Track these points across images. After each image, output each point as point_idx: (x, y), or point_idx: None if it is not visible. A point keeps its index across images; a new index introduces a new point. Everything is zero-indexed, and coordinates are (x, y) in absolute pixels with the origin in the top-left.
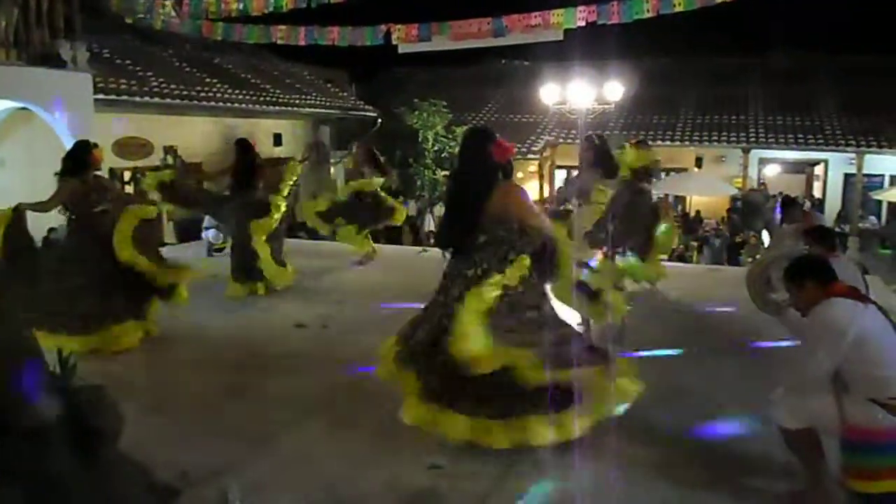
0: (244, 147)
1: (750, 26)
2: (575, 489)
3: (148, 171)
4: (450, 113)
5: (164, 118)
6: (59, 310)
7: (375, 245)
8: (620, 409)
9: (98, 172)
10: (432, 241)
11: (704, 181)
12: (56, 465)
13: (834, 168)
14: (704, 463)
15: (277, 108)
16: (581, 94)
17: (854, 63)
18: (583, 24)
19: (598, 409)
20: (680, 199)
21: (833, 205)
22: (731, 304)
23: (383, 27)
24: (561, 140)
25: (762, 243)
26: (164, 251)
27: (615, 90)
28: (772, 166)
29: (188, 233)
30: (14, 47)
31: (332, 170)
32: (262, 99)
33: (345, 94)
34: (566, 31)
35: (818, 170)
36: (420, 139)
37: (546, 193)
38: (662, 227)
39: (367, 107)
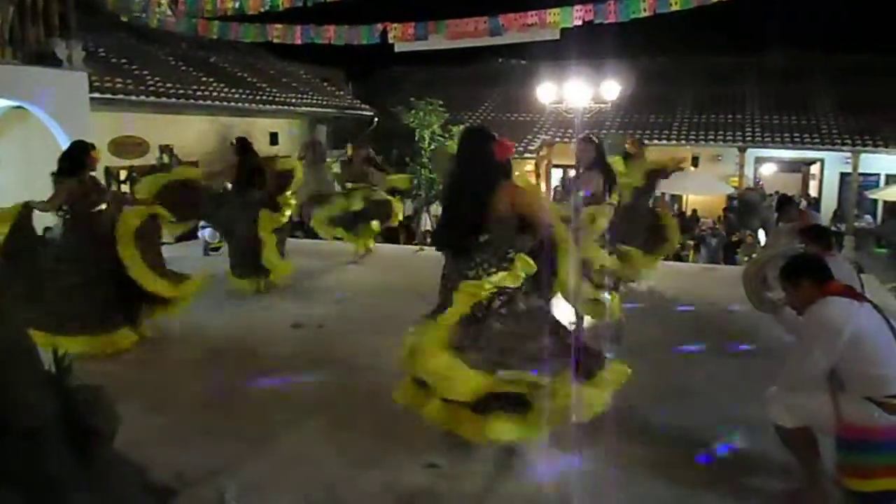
0: (244, 146)
1: (746, 25)
2: (574, 489)
3: (141, 177)
4: (446, 112)
5: (160, 117)
6: (56, 310)
7: (371, 244)
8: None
9: (92, 173)
10: (429, 240)
11: (701, 180)
12: (54, 465)
13: (830, 167)
14: (701, 462)
15: (274, 107)
16: (578, 93)
17: (850, 62)
18: (579, 23)
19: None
20: (676, 198)
21: (829, 204)
22: (728, 304)
23: (380, 26)
24: (558, 139)
25: (758, 242)
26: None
27: (612, 89)
28: (768, 165)
29: (185, 232)
30: (9, 45)
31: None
32: (258, 98)
33: (341, 93)
34: (563, 30)
35: (814, 169)
36: (416, 138)
37: (543, 192)
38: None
39: (363, 106)
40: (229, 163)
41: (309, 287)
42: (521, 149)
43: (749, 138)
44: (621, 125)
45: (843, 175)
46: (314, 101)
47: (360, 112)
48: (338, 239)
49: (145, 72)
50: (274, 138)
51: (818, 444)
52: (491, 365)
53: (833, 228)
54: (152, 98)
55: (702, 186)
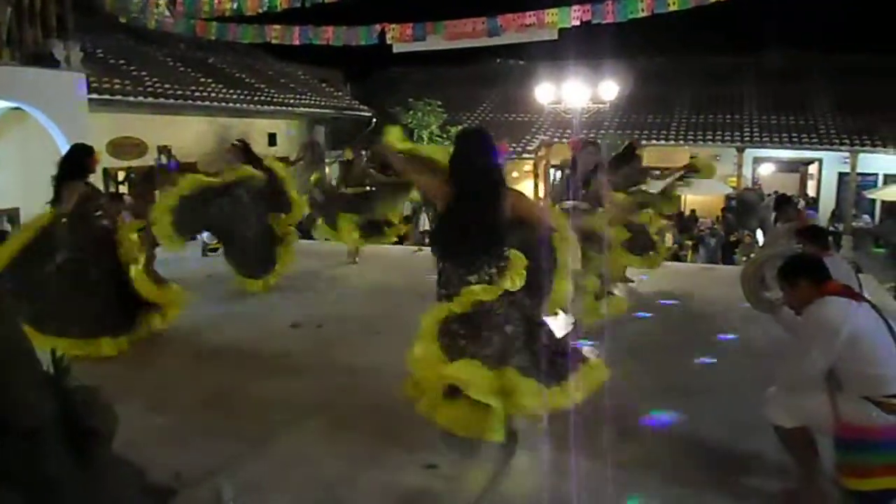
0: (246, 147)
1: (744, 26)
2: (573, 489)
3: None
4: (444, 112)
5: (159, 118)
6: (58, 312)
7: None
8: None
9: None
10: (427, 240)
11: (699, 180)
12: (53, 465)
13: (828, 167)
14: (700, 462)
15: (272, 107)
16: (576, 93)
17: (848, 62)
18: (577, 23)
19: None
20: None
21: (827, 204)
22: (726, 303)
23: (378, 27)
24: (556, 139)
25: (757, 242)
26: (158, 251)
27: (610, 89)
28: (766, 165)
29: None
30: (7, 47)
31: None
32: (256, 99)
33: (339, 93)
34: (561, 31)
35: (812, 169)
36: (415, 139)
37: (542, 192)
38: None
39: (361, 106)
40: (231, 166)
41: (308, 287)
42: (519, 149)
43: (747, 138)
44: (619, 125)
45: (841, 175)
46: (312, 102)
47: (358, 113)
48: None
49: (143, 73)
50: (272, 139)
51: (816, 443)
52: (497, 364)
53: (831, 228)
54: (150, 99)
55: (700, 186)
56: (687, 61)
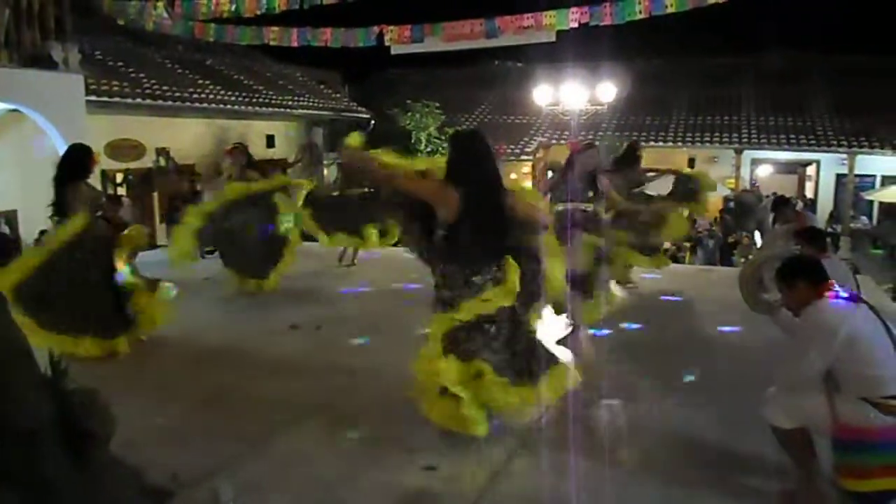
0: (246, 149)
1: (742, 27)
2: (572, 489)
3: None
4: (443, 114)
5: (157, 120)
6: (65, 311)
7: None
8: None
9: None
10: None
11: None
12: (51, 467)
13: (826, 168)
14: (699, 463)
15: (270, 109)
16: (574, 95)
17: (846, 64)
18: (575, 25)
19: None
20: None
21: (825, 205)
22: (725, 305)
23: (376, 28)
24: (554, 141)
25: (755, 244)
26: (156, 254)
27: (608, 91)
28: (764, 167)
29: None
30: (5, 49)
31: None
32: (254, 100)
33: (338, 95)
34: (559, 33)
35: (810, 170)
36: (413, 140)
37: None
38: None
39: (359, 108)
40: (232, 169)
41: (306, 288)
42: (517, 151)
43: (745, 140)
44: (617, 127)
45: (839, 176)
46: (311, 104)
47: (356, 114)
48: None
49: (142, 74)
50: (270, 141)
51: (814, 444)
52: (468, 356)
53: (829, 229)
54: (149, 101)
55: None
56: (685, 63)
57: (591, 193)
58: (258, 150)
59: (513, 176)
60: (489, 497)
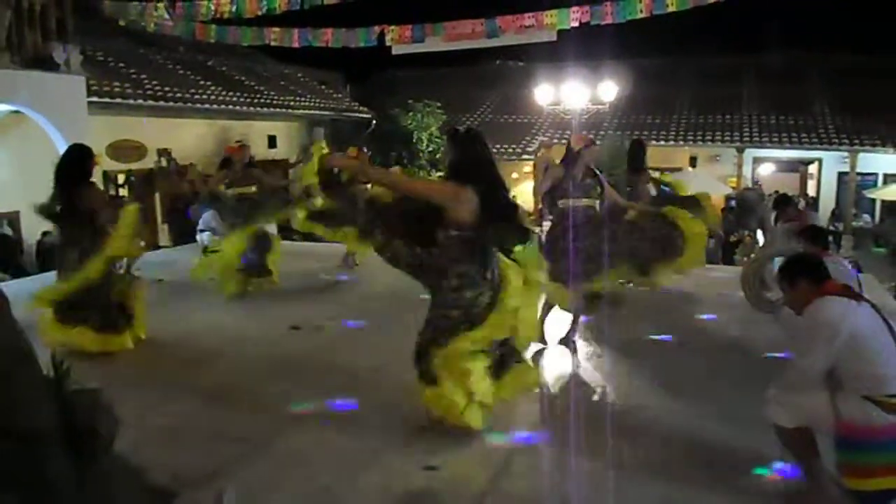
0: (248, 149)
1: (743, 26)
2: (572, 489)
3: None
4: (444, 114)
5: (158, 121)
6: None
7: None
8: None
9: None
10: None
11: (699, 180)
12: (54, 468)
13: (828, 167)
14: (699, 463)
15: (271, 110)
16: (575, 94)
17: (848, 62)
18: (576, 24)
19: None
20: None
21: (827, 203)
22: (725, 304)
23: (377, 28)
24: (555, 140)
25: (757, 242)
26: (159, 254)
27: (609, 90)
28: (766, 165)
29: (183, 235)
30: (7, 50)
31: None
32: (256, 101)
33: (339, 95)
34: (560, 32)
35: (812, 168)
36: (414, 140)
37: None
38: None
39: (361, 108)
40: (232, 170)
41: (306, 289)
42: (518, 150)
43: (747, 138)
44: (619, 126)
45: (840, 174)
46: (312, 104)
47: (357, 114)
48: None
49: (143, 76)
50: (272, 141)
51: (817, 443)
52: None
53: (831, 228)
54: (150, 102)
55: (700, 187)
56: (686, 62)
57: (599, 189)
58: (260, 151)
59: (514, 175)
60: (489, 497)
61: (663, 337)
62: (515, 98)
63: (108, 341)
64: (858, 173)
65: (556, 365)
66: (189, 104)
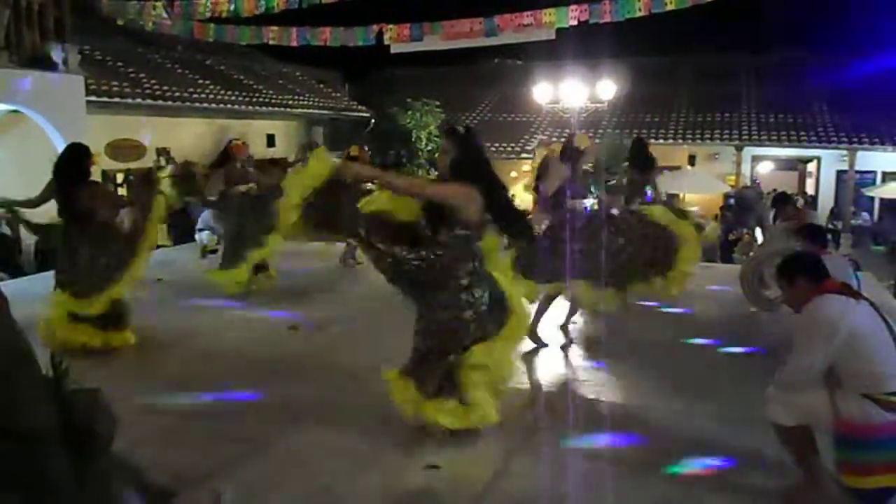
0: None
1: (742, 24)
2: (571, 488)
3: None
4: (443, 113)
5: (157, 120)
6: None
7: None
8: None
9: None
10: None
11: (698, 179)
12: (53, 468)
13: (826, 165)
14: (699, 462)
15: (270, 108)
16: (574, 92)
17: (846, 61)
18: (575, 23)
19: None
20: (673, 197)
21: (826, 201)
22: (725, 302)
23: (375, 27)
24: (554, 139)
25: (755, 241)
26: (158, 253)
27: (608, 89)
28: (764, 163)
29: (182, 235)
30: (5, 50)
31: None
32: (254, 100)
33: (338, 94)
34: (558, 30)
35: (811, 167)
36: (413, 139)
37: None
38: None
39: (360, 107)
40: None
41: (306, 289)
42: (517, 149)
43: (745, 137)
44: (618, 125)
45: (839, 173)
46: (311, 103)
47: (356, 113)
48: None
49: (142, 75)
50: (271, 140)
51: (816, 441)
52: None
53: (830, 226)
54: (149, 101)
55: (699, 185)
56: (685, 60)
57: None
58: (259, 150)
59: (513, 174)
60: (489, 497)
61: (663, 335)
62: (514, 97)
63: (110, 337)
64: (857, 171)
65: (555, 365)
66: (188, 103)
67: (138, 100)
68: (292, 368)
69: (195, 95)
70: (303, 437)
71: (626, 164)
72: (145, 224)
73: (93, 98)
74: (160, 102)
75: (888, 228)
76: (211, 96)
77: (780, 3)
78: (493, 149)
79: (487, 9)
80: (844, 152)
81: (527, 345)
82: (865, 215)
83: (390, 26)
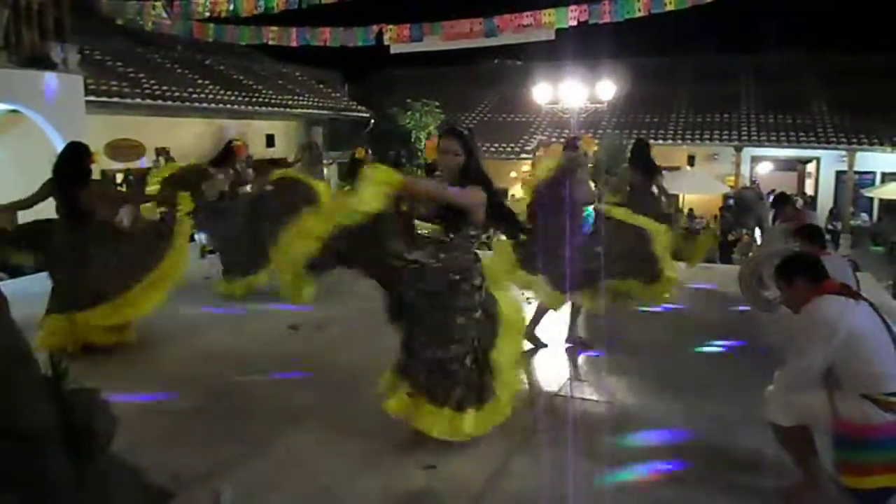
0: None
1: (742, 24)
2: (572, 489)
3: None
4: (442, 113)
5: (156, 120)
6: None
7: None
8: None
9: None
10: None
11: (697, 179)
12: (52, 468)
13: (826, 165)
14: (699, 461)
15: (270, 109)
16: (573, 93)
17: (846, 62)
18: (574, 23)
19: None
20: (673, 198)
21: (825, 202)
22: (725, 303)
23: (375, 28)
24: (554, 139)
25: (755, 241)
26: None
27: (607, 89)
28: (764, 164)
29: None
30: (4, 49)
31: (325, 171)
32: (254, 100)
33: (337, 94)
34: (558, 31)
35: (810, 167)
36: (413, 139)
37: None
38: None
39: (359, 107)
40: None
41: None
42: (517, 149)
43: (745, 137)
44: (617, 125)
45: (838, 173)
46: (310, 103)
47: (356, 114)
48: None
49: (141, 75)
50: (270, 140)
51: (815, 442)
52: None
53: (829, 227)
54: (148, 101)
55: (698, 185)
56: (684, 60)
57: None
58: (258, 150)
59: (512, 174)
60: (489, 497)
61: (662, 336)
62: (514, 97)
63: (110, 337)
64: (856, 172)
65: (554, 366)
66: (187, 103)
67: (137, 100)
68: (292, 367)
69: (195, 95)
70: (303, 437)
71: (626, 164)
72: (174, 225)
73: (92, 98)
74: (160, 102)
75: (887, 229)
76: (210, 96)
77: (780, 3)
78: (493, 149)
79: (487, 9)
80: (844, 153)
81: (526, 345)
82: (864, 216)
83: (390, 26)
